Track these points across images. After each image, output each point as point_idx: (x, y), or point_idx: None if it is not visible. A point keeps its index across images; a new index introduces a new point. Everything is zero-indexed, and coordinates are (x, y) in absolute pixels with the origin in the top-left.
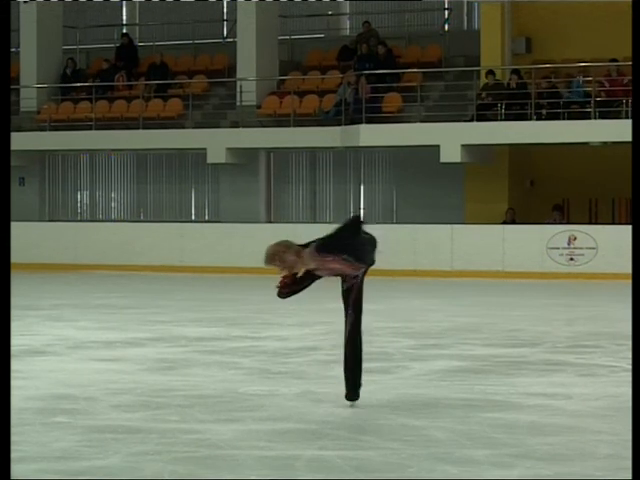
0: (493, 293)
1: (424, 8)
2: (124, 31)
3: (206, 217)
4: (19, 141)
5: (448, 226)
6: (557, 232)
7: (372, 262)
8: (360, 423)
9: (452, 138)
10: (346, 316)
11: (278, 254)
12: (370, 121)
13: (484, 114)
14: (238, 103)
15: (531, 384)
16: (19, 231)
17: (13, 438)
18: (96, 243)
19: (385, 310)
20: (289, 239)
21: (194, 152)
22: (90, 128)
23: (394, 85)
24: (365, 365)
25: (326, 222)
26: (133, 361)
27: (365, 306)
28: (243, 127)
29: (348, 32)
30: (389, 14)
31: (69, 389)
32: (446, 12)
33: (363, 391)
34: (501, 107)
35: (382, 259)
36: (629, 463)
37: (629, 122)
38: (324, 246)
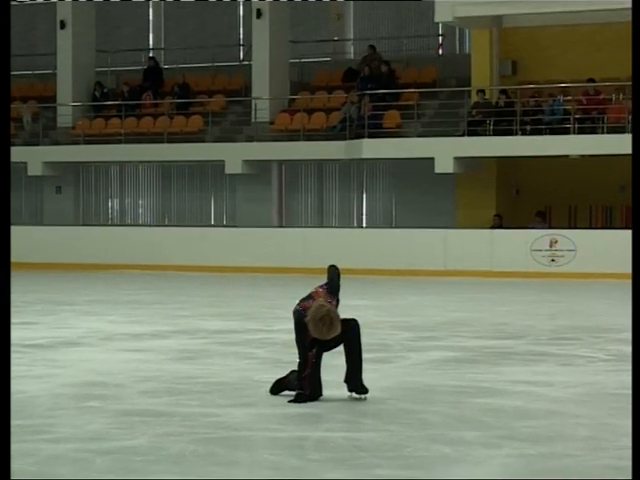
0: (482, 290)
1: (421, 34)
2: (151, 55)
3: (224, 222)
4: (56, 154)
5: (442, 230)
6: (540, 236)
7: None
8: (362, 407)
9: (445, 151)
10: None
11: (334, 313)
12: (372, 136)
13: (474, 130)
14: (253, 120)
15: (516, 373)
16: (56, 234)
17: (50, 421)
18: (125, 245)
19: (385, 306)
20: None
21: (213, 164)
22: (120, 142)
23: (393, 103)
24: (367, 355)
25: (332, 227)
26: (158, 351)
27: (367, 302)
28: (257, 141)
29: (352, 56)
30: (389, 39)
31: (100, 377)
32: (440, 38)
33: (365, 378)
34: (490, 123)
35: (383, 260)
36: (606, 444)
37: (605, 137)
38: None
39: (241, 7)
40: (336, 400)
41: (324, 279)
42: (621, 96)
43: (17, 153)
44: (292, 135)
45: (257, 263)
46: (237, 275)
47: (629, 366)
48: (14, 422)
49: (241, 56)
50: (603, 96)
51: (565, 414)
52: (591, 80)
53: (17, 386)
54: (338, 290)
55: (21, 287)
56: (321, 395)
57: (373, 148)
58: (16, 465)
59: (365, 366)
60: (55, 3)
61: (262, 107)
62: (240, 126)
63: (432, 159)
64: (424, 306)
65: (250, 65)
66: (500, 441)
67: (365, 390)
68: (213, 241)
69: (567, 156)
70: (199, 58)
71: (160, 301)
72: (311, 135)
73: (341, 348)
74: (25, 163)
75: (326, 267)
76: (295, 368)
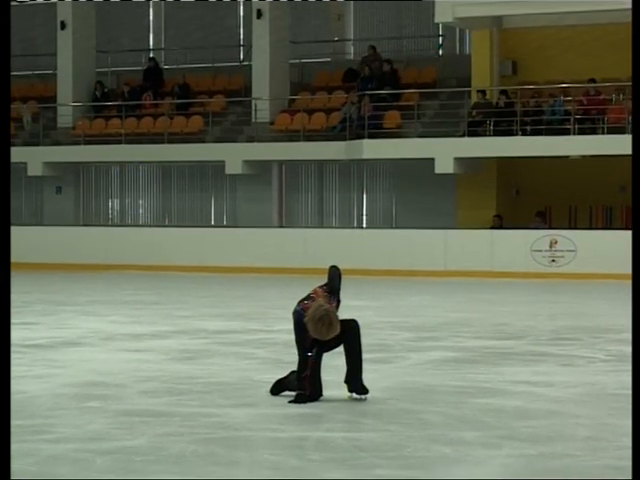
0: (482, 291)
1: (421, 34)
2: (151, 55)
3: (224, 222)
4: (56, 154)
5: (442, 231)
6: (540, 236)
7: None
8: (362, 407)
9: (446, 152)
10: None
11: (333, 313)
12: (372, 136)
13: (475, 130)
14: (253, 120)
15: (517, 373)
16: (56, 234)
17: (50, 421)
18: (125, 245)
19: (385, 306)
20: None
21: (214, 164)
22: (120, 142)
23: (394, 104)
24: (367, 356)
25: (332, 227)
26: (158, 352)
27: (367, 303)
28: (258, 141)
29: (352, 56)
30: (389, 40)
31: (101, 377)
32: (440, 38)
33: (365, 378)
34: (490, 124)
35: (383, 260)
36: (605, 444)
37: (605, 137)
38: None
39: (241, 7)
40: (336, 400)
41: (324, 279)
42: (621, 96)
43: (17, 153)
44: (292, 135)
45: (257, 263)
46: (237, 275)
47: (629, 366)
48: (14, 422)
49: (241, 56)
50: (603, 96)
51: (565, 414)
52: (591, 80)
53: (17, 386)
54: (338, 290)
55: (21, 287)
56: (321, 395)
57: (373, 148)
58: (16, 465)
59: (365, 366)
60: (55, 3)
61: (262, 107)
62: (240, 126)
63: (432, 159)
64: (424, 306)
65: (250, 65)
66: (500, 441)
67: (365, 391)
68: (213, 241)
69: (567, 156)
70: (199, 58)
71: (160, 301)
72: (311, 135)
73: (341, 348)
74: (25, 163)
75: (326, 267)
76: (295, 368)
